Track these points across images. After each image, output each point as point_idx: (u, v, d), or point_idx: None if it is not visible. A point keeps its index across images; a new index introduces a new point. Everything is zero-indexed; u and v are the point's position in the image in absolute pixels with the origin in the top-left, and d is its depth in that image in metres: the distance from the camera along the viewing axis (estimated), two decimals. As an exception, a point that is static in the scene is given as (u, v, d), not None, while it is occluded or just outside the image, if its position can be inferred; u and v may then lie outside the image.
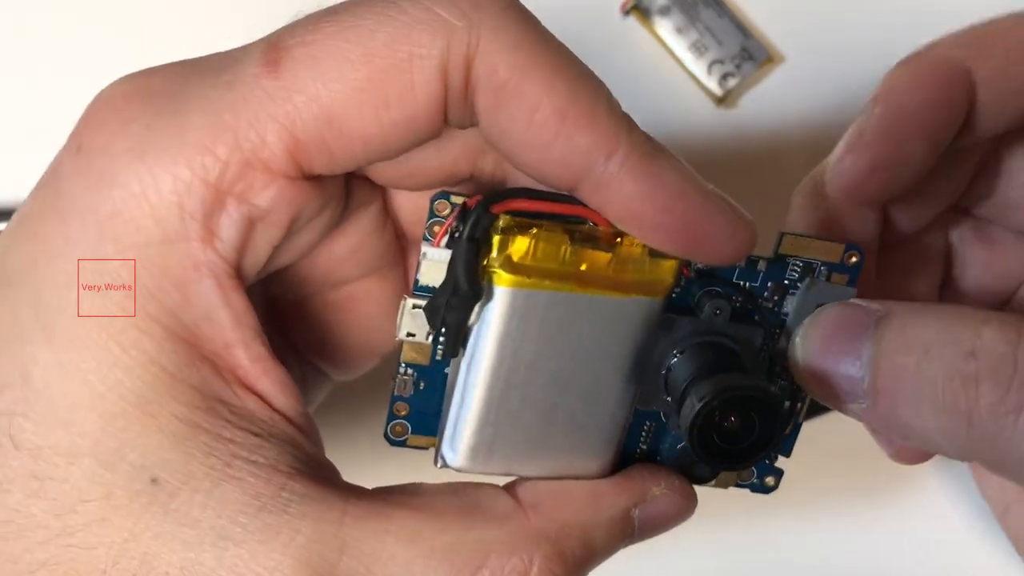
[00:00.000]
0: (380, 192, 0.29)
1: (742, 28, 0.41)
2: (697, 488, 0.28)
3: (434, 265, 0.26)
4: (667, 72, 0.42)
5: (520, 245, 0.25)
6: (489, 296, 0.26)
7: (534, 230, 0.25)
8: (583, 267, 0.26)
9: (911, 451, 0.31)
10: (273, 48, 0.24)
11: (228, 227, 0.24)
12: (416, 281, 0.27)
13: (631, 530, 0.27)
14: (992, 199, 0.33)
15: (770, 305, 0.28)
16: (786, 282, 0.28)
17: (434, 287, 0.26)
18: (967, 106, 0.29)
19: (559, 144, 0.24)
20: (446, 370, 0.28)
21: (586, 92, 0.24)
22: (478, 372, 0.26)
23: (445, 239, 0.26)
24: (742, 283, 0.28)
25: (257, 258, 0.26)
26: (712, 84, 0.41)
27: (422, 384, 0.28)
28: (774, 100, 0.42)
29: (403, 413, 0.28)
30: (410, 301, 0.27)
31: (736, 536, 0.41)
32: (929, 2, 0.42)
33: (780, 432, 0.26)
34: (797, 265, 0.28)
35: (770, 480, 0.30)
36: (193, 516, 0.24)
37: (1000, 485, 0.35)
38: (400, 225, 0.31)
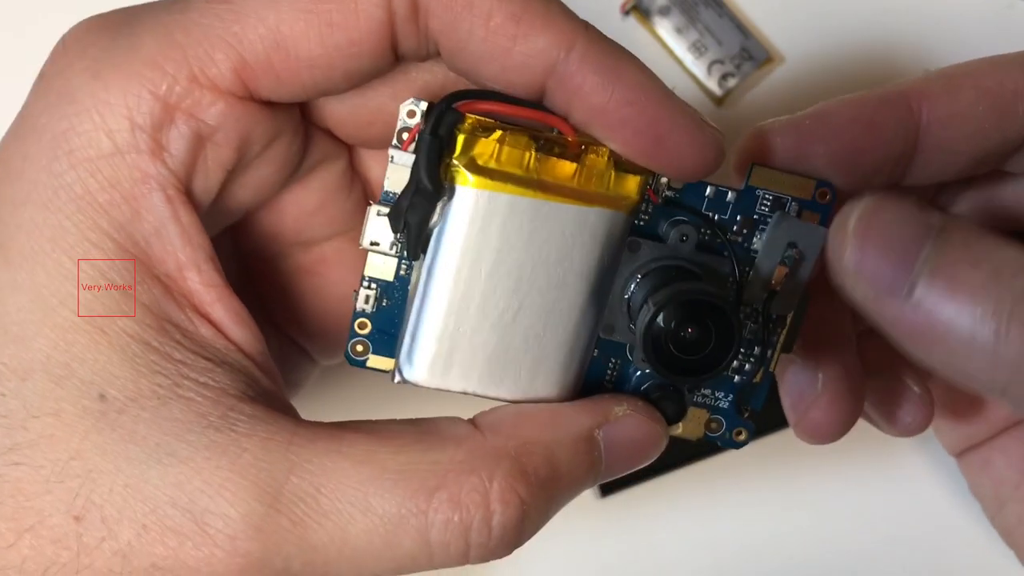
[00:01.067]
0: (346, 151, 0.30)
1: (742, 28, 0.41)
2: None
3: (401, 169, 0.26)
4: (667, 72, 0.42)
5: (484, 147, 0.26)
6: (451, 195, 0.26)
7: (499, 133, 0.26)
8: (547, 175, 0.26)
9: (816, 424, 0.30)
10: None
11: (177, 141, 0.25)
12: (384, 189, 0.27)
13: (597, 454, 0.26)
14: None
15: (739, 239, 0.28)
16: (755, 216, 0.28)
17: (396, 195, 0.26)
18: (910, 145, 0.29)
19: (518, 48, 0.25)
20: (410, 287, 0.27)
21: None
22: (437, 276, 0.26)
23: (413, 145, 0.26)
24: (711, 214, 0.27)
25: (209, 180, 0.26)
26: (712, 84, 0.41)
27: (385, 301, 0.27)
28: (774, 100, 0.42)
29: (364, 331, 0.28)
30: (375, 207, 0.27)
31: (724, 510, 0.41)
32: (929, 2, 0.42)
33: (737, 343, 0.25)
34: (767, 199, 0.28)
35: (741, 434, 0.29)
36: (139, 433, 0.24)
37: (994, 483, 0.35)
38: (369, 189, 0.31)
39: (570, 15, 0.25)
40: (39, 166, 0.25)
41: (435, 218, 0.26)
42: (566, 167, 0.26)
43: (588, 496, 0.39)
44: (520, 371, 0.27)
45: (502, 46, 0.25)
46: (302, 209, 0.30)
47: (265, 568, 0.24)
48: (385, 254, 0.27)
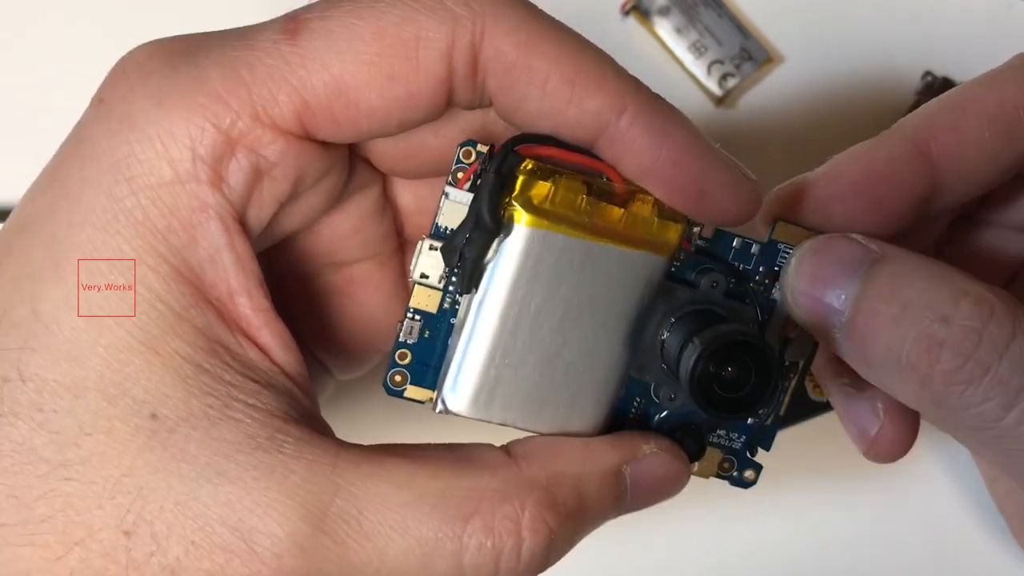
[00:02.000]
0: (381, 179, 0.31)
1: (742, 28, 0.41)
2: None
3: (455, 207, 0.27)
4: (667, 72, 0.42)
5: (541, 188, 0.27)
6: (507, 232, 0.27)
7: (555, 176, 0.27)
8: (597, 218, 0.27)
9: (884, 449, 0.31)
10: (292, 20, 0.26)
11: (236, 173, 0.26)
12: (435, 223, 0.27)
13: (623, 489, 0.27)
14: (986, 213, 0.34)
15: (761, 288, 0.29)
16: (776, 268, 0.29)
17: (452, 230, 0.27)
18: (929, 184, 0.30)
19: (572, 110, 0.26)
20: (452, 320, 0.28)
21: (591, 59, 0.26)
22: (489, 310, 0.27)
23: (468, 183, 0.27)
24: (737, 264, 0.29)
25: (262, 211, 0.27)
26: (712, 84, 0.41)
27: (427, 333, 0.28)
28: (774, 100, 0.42)
29: (405, 361, 0.28)
30: (427, 241, 0.27)
31: (729, 523, 0.41)
32: (929, 2, 0.42)
33: (775, 380, 0.27)
34: (787, 253, 0.29)
35: (749, 474, 0.30)
36: (190, 452, 0.24)
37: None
38: (399, 216, 0.32)
39: (622, 74, 0.26)
40: (99, 189, 0.25)
41: (490, 254, 0.27)
42: (614, 212, 0.27)
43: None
44: (559, 405, 0.28)
45: (557, 108, 0.26)
46: (337, 233, 0.31)
47: None
48: (433, 287, 0.28)
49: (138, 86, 0.26)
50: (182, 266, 0.25)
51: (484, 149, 0.27)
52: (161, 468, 0.24)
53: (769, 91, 0.42)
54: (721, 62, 0.41)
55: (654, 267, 0.28)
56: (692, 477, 0.29)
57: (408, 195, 0.32)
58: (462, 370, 0.28)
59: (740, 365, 0.26)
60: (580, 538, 0.27)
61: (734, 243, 0.29)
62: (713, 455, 0.30)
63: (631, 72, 0.43)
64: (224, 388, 0.25)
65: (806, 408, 0.39)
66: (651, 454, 0.28)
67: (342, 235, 0.31)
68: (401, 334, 0.28)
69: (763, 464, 0.30)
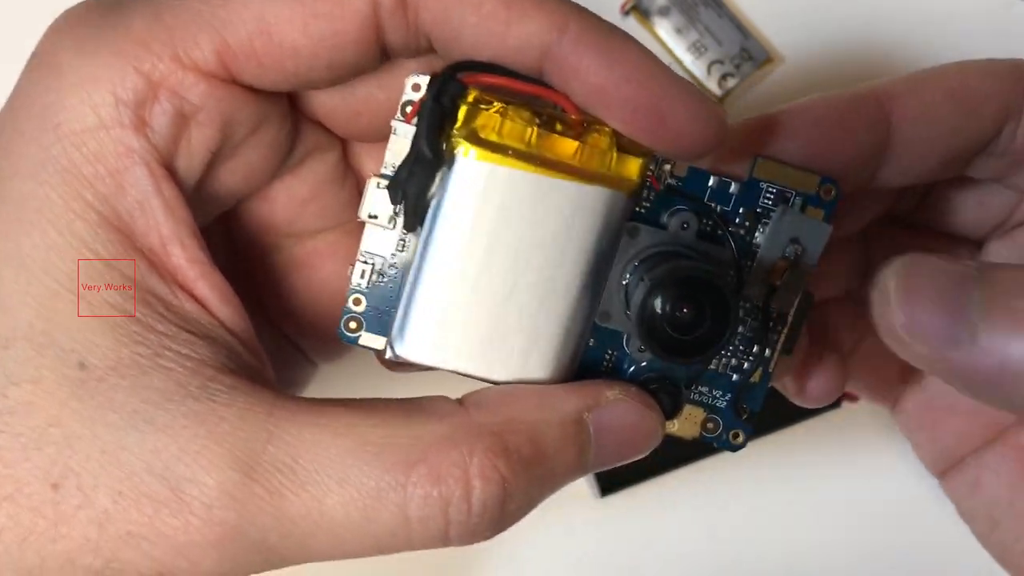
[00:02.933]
0: (339, 144, 0.30)
1: (742, 28, 0.41)
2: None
3: (403, 141, 0.26)
4: (667, 72, 0.42)
5: (486, 119, 0.26)
6: (450, 166, 0.26)
7: (501, 106, 0.26)
8: (548, 151, 0.26)
9: (816, 393, 0.31)
10: None
11: (160, 116, 0.26)
12: (384, 161, 0.26)
13: (585, 437, 0.26)
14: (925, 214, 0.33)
15: (741, 232, 0.28)
16: (759, 209, 0.27)
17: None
18: (882, 138, 0.29)
19: (511, 32, 0.25)
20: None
21: None
22: (432, 249, 0.26)
23: (416, 118, 0.26)
24: (713, 204, 0.27)
25: (193, 160, 0.26)
26: (712, 85, 0.41)
27: (383, 278, 0.27)
28: (774, 100, 0.42)
29: (359, 307, 0.27)
30: (375, 179, 0.26)
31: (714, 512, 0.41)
32: (929, 2, 0.42)
33: (733, 323, 0.25)
34: (771, 192, 0.27)
35: (738, 437, 0.29)
36: (118, 401, 0.24)
37: (986, 504, 0.34)
38: (363, 183, 0.31)
39: None
40: (28, 139, 0.25)
41: (433, 189, 0.26)
42: (568, 144, 0.26)
43: (587, 496, 0.39)
44: (513, 351, 0.27)
45: (495, 31, 0.25)
46: (293, 199, 0.30)
47: (241, 538, 0.24)
48: (383, 227, 0.27)
49: (66, 37, 0.26)
50: (110, 214, 0.25)
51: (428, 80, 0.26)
52: (88, 417, 0.24)
53: (769, 91, 0.42)
54: (721, 62, 0.41)
55: (613, 204, 0.26)
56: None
57: (371, 162, 0.31)
58: (409, 313, 0.26)
59: (695, 304, 0.25)
60: (542, 493, 0.25)
61: (710, 182, 0.27)
62: (695, 414, 0.28)
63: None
64: (156, 337, 0.25)
65: (806, 408, 0.39)
66: (616, 400, 0.26)
67: (299, 201, 0.30)
68: (353, 278, 0.27)
69: (752, 428, 0.28)
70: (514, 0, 0.25)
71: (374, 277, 0.27)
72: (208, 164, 0.27)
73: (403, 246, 0.27)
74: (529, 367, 0.27)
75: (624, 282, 0.27)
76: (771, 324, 0.28)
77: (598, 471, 0.27)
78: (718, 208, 0.27)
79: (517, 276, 0.26)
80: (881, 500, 0.41)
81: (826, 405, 0.38)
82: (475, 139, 0.26)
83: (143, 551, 0.24)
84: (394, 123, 0.26)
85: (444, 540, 0.25)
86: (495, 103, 0.26)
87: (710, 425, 0.29)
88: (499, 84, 0.26)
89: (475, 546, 0.39)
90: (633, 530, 0.40)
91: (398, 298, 0.27)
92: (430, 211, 0.26)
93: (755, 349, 0.28)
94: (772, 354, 0.28)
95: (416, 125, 0.26)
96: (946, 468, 0.35)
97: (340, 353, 0.33)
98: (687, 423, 0.28)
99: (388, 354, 0.27)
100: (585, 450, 0.26)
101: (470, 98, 0.26)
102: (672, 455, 0.39)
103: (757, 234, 0.27)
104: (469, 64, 0.26)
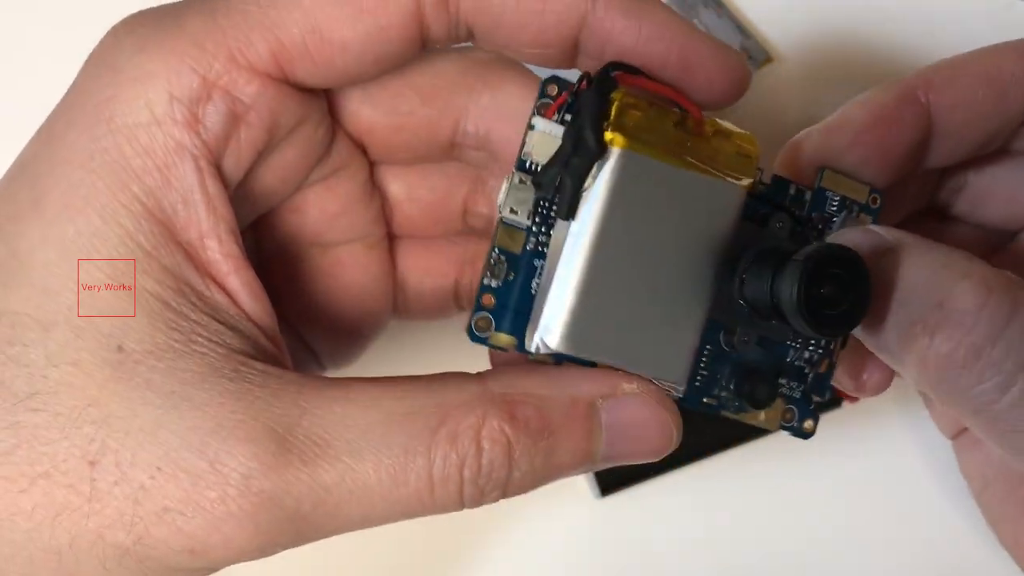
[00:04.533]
0: (367, 164, 0.31)
1: (741, 28, 0.41)
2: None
3: (544, 138, 0.27)
4: (667, 72, 0.42)
5: (636, 114, 0.27)
6: (606, 158, 0.27)
7: (647, 105, 0.27)
8: (687, 148, 0.27)
9: (872, 384, 0.32)
10: None
11: (213, 115, 0.26)
12: (520, 157, 0.27)
13: (596, 422, 0.27)
14: (961, 207, 0.35)
15: (815, 233, 0.30)
16: (827, 214, 0.30)
17: (538, 163, 0.27)
18: (925, 131, 0.31)
19: (548, 7, 0.27)
20: (536, 262, 0.27)
21: None
22: (587, 239, 0.27)
23: (556, 115, 0.27)
24: (795, 209, 0.30)
25: (240, 158, 0.27)
26: (712, 84, 0.41)
27: (512, 275, 0.27)
28: (774, 100, 0.42)
29: (490, 305, 0.27)
30: (516, 174, 0.27)
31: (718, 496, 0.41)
32: (929, 2, 0.42)
33: (870, 294, 0.27)
34: (835, 200, 0.30)
35: (808, 424, 0.30)
36: (155, 382, 0.25)
37: (980, 463, 0.36)
38: (388, 206, 0.32)
39: None
40: (81, 130, 0.26)
41: (589, 181, 0.27)
42: (700, 142, 0.28)
43: (587, 495, 0.39)
44: (647, 342, 0.27)
45: (534, 10, 0.27)
46: (323, 211, 0.31)
47: (276, 510, 0.24)
48: (518, 226, 0.27)
49: (125, 38, 0.27)
50: (155, 206, 0.26)
51: (570, 83, 0.27)
52: (126, 397, 0.25)
53: (769, 91, 0.42)
54: (721, 62, 0.41)
55: (736, 198, 0.28)
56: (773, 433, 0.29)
57: (398, 184, 0.32)
58: (561, 304, 0.27)
59: (835, 281, 0.26)
60: (547, 469, 0.26)
61: (791, 189, 0.30)
62: (778, 404, 0.30)
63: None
64: (188, 325, 0.26)
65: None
66: (632, 394, 0.27)
67: (329, 215, 0.31)
68: (485, 276, 0.27)
69: (818, 417, 0.30)
70: None
71: (505, 276, 0.27)
72: (253, 163, 0.28)
73: (534, 244, 0.27)
74: (660, 362, 0.27)
75: (741, 276, 0.28)
76: None
77: (608, 467, 0.27)
78: (797, 212, 0.30)
79: (658, 267, 0.27)
80: (881, 500, 0.41)
81: (826, 405, 0.38)
82: (627, 133, 0.27)
83: (176, 527, 0.24)
84: (533, 120, 0.27)
85: (459, 502, 0.26)
86: (642, 101, 0.27)
87: (787, 415, 0.30)
88: (643, 85, 0.27)
89: (475, 545, 0.39)
90: (633, 530, 0.40)
91: (538, 293, 0.27)
92: (584, 203, 0.27)
93: (823, 342, 0.30)
94: (835, 348, 0.30)
95: (574, 118, 0.27)
96: (957, 432, 0.37)
97: (350, 359, 0.34)
98: (773, 412, 0.30)
99: (535, 349, 0.27)
100: (594, 436, 0.27)
101: (621, 95, 0.27)
102: (671, 455, 0.39)
103: (825, 236, 0.30)
104: (619, 65, 0.27)
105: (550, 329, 0.27)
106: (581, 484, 0.40)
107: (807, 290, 0.26)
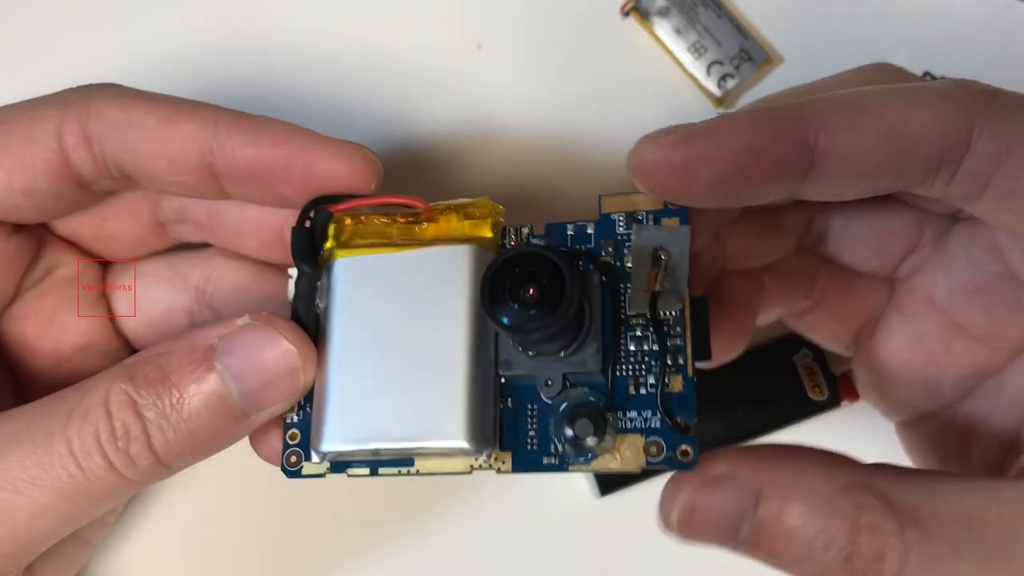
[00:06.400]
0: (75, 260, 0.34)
1: (741, 29, 0.41)
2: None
3: (300, 279, 0.30)
4: (666, 73, 0.42)
5: (350, 229, 0.30)
6: (329, 273, 0.29)
7: (360, 216, 0.30)
8: (408, 235, 0.29)
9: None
10: None
11: None
12: (291, 304, 0.30)
13: (212, 356, 0.27)
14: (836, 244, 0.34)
15: (612, 261, 0.29)
16: (619, 237, 0.29)
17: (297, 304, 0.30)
18: (802, 175, 0.27)
19: (171, 136, 0.30)
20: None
21: (184, 102, 0.30)
22: (328, 345, 0.28)
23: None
24: (579, 246, 0.30)
25: None
26: (711, 85, 0.41)
27: (308, 407, 0.29)
28: (773, 101, 0.42)
29: (295, 441, 0.29)
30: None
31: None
32: (929, 2, 0.42)
33: (571, 293, 0.26)
34: (621, 219, 0.29)
35: (686, 452, 0.27)
36: None
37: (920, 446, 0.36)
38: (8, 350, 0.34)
39: (215, 107, 0.30)
40: None
41: (319, 299, 0.29)
42: (425, 227, 0.29)
43: (586, 495, 0.40)
44: (412, 413, 0.28)
45: (160, 139, 0.30)
46: (40, 317, 0.34)
47: None
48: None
49: None
50: None
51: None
52: None
53: (768, 92, 0.42)
54: (720, 63, 0.41)
55: (478, 258, 0.28)
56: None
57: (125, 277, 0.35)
58: (327, 411, 0.28)
59: (534, 282, 0.26)
60: (190, 426, 0.27)
61: (568, 230, 0.30)
62: (634, 442, 0.27)
63: (630, 72, 0.43)
64: None
65: (806, 408, 0.39)
66: (242, 325, 0.28)
67: (44, 318, 0.34)
68: (286, 414, 0.29)
69: (696, 440, 0.27)
70: (172, 116, 0.30)
71: (302, 410, 0.29)
72: None
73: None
74: (434, 427, 0.28)
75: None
76: (665, 329, 0.28)
77: (263, 415, 0.28)
78: (583, 247, 0.29)
79: (417, 341, 0.28)
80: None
81: (826, 405, 0.38)
82: (341, 244, 0.29)
83: None
84: (290, 270, 0.30)
85: (114, 470, 0.27)
86: (359, 215, 0.30)
87: (653, 449, 0.27)
88: (357, 206, 0.30)
89: (473, 544, 0.39)
90: (633, 530, 0.40)
91: (313, 412, 0.29)
92: (322, 318, 0.29)
93: (655, 361, 0.28)
94: (684, 361, 0.28)
95: (291, 251, 0.29)
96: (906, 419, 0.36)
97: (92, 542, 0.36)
98: (630, 454, 0.28)
99: (315, 458, 0.28)
100: (218, 376, 0.27)
101: (337, 219, 0.30)
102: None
103: (626, 259, 0.29)
104: (325, 199, 0.30)
105: (319, 436, 0.28)
106: (581, 484, 0.40)
107: (491, 295, 0.26)
